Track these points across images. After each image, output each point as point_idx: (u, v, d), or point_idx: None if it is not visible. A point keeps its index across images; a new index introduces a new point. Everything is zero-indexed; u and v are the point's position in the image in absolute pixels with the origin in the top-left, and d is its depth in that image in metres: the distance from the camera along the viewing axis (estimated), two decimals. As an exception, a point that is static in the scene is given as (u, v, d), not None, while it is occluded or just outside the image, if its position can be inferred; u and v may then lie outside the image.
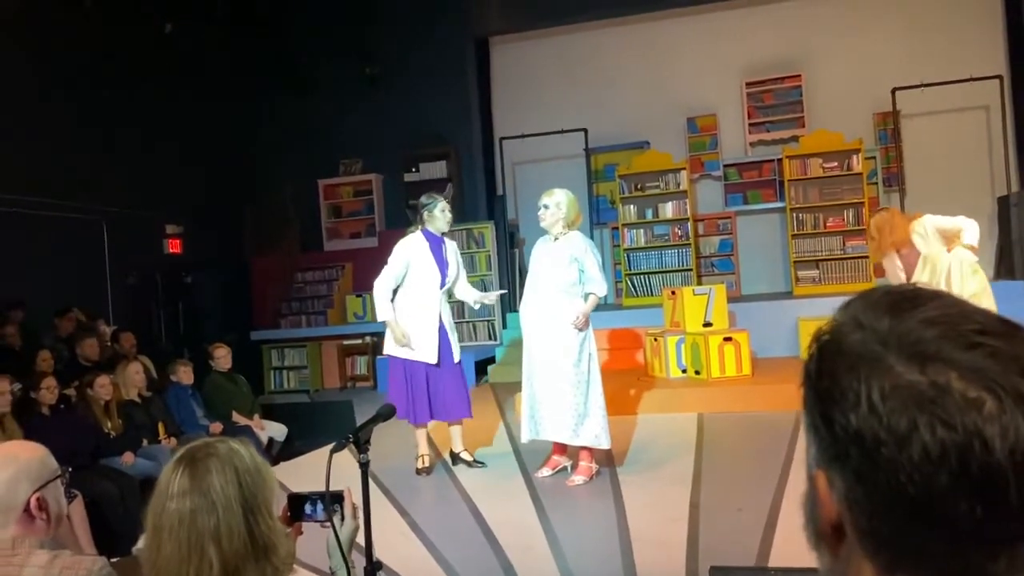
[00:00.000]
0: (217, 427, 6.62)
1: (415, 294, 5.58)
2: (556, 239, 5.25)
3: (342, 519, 1.88)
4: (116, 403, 6.01)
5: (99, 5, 8.91)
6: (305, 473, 5.74)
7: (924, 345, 0.63)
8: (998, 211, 9.50)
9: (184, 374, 6.74)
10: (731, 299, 8.69)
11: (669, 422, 6.63)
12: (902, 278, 5.39)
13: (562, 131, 10.64)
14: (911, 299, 0.68)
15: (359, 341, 10.53)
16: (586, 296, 5.23)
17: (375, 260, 10.49)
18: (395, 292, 5.62)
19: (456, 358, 5.64)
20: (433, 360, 5.55)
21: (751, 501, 4.53)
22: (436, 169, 11.11)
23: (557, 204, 5.21)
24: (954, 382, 0.60)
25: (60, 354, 7.23)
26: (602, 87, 10.96)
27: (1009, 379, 0.60)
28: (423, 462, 5.62)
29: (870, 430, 0.62)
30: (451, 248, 5.76)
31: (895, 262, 5.49)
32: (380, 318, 5.65)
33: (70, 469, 1.88)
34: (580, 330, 5.13)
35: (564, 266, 5.16)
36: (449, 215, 5.69)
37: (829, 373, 0.67)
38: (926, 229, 5.36)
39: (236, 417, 6.85)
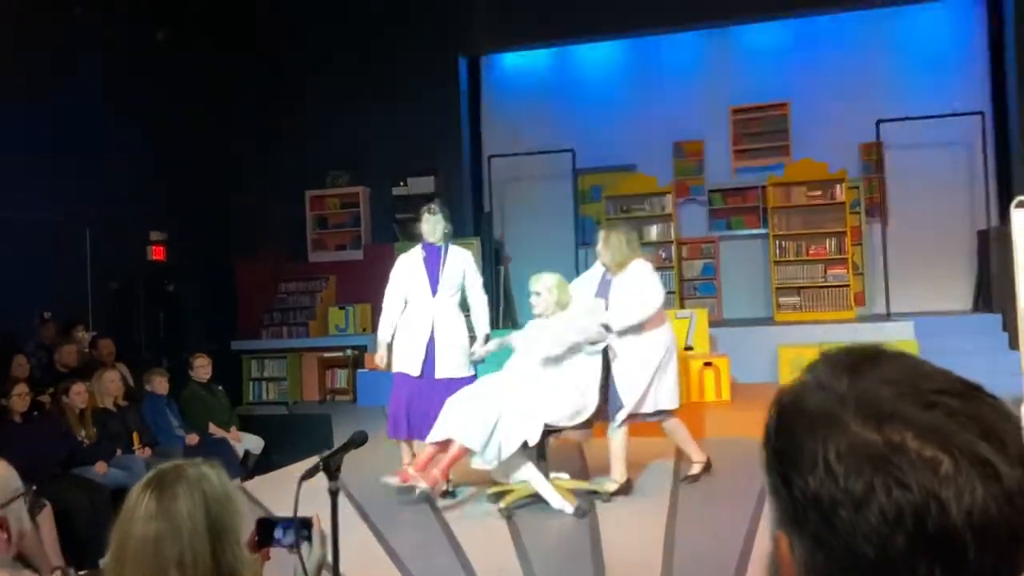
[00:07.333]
0: (193, 438, 6.57)
1: (407, 306, 5.59)
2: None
3: (310, 545, 1.87)
4: (91, 411, 5.95)
5: (89, 11, 8.89)
6: (280, 488, 5.70)
7: (881, 404, 0.63)
8: (977, 245, 9.61)
9: (159, 384, 6.68)
10: (712, 323, 8.73)
11: (647, 445, 6.60)
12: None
13: (550, 151, 10.69)
14: (871, 359, 0.68)
15: (340, 354, 10.48)
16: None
17: (360, 273, 10.60)
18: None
19: (440, 374, 5.45)
20: (414, 372, 5.45)
21: (727, 528, 4.53)
22: (424, 184, 11.09)
23: (549, 289, 5.24)
24: (910, 441, 0.60)
25: (39, 360, 7.16)
26: (591, 108, 11.01)
27: (966, 440, 0.60)
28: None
29: (827, 493, 0.62)
30: (454, 257, 5.65)
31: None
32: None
33: (34, 487, 1.86)
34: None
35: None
36: (434, 225, 5.58)
37: (788, 433, 0.67)
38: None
39: (213, 429, 6.79)
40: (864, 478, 0.61)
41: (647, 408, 5.30)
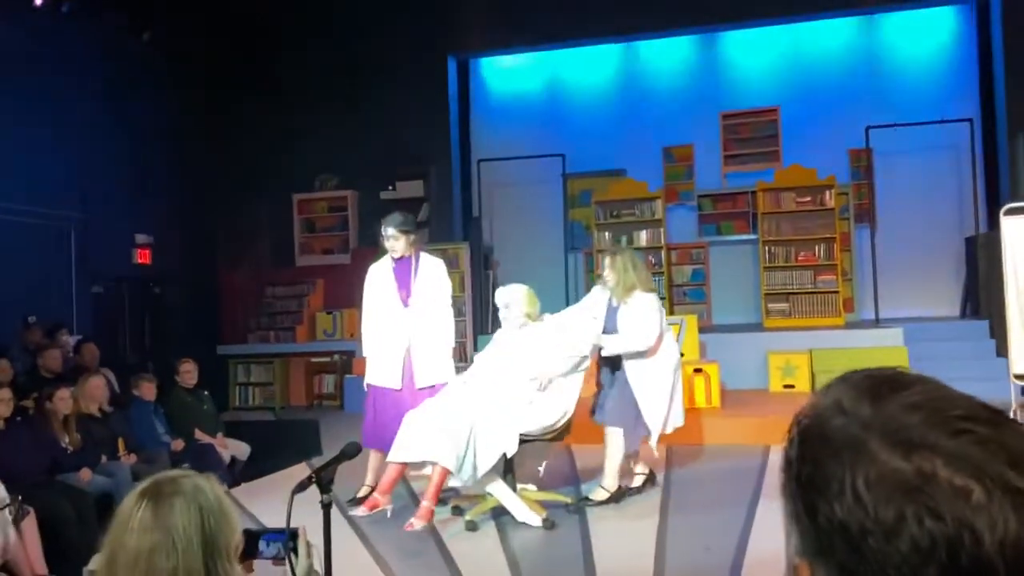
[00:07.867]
0: (179, 444, 6.49)
1: (379, 317, 5.49)
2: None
3: (296, 557, 1.83)
4: (75, 417, 5.86)
5: (77, 11, 8.81)
6: (268, 495, 5.65)
7: (908, 432, 0.62)
8: (966, 251, 9.65)
9: (147, 390, 6.59)
10: (702, 329, 8.73)
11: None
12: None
13: (539, 156, 10.68)
14: (892, 383, 0.67)
15: (327, 359, 10.42)
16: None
17: (347, 277, 10.52)
18: None
19: (420, 384, 5.37)
20: (396, 385, 5.37)
21: (718, 536, 4.51)
22: (413, 188, 11.05)
23: (518, 301, 5.17)
24: (940, 470, 0.59)
25: (23, 365, 7.06)
26: (581, 113, 11.02)
27: (996, 468, 0.59)
28: (364, 492, 5.39)
29: (856, 521, 0.61)
30: (426, 267, 5.50)
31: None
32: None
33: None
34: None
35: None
36: (393, 243, 5.38)
37: (812, 460, 0.66)
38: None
39: (199, 435, 6.71)
40: (895, 507, 0.59)
41: (668, 428, 5.28)
